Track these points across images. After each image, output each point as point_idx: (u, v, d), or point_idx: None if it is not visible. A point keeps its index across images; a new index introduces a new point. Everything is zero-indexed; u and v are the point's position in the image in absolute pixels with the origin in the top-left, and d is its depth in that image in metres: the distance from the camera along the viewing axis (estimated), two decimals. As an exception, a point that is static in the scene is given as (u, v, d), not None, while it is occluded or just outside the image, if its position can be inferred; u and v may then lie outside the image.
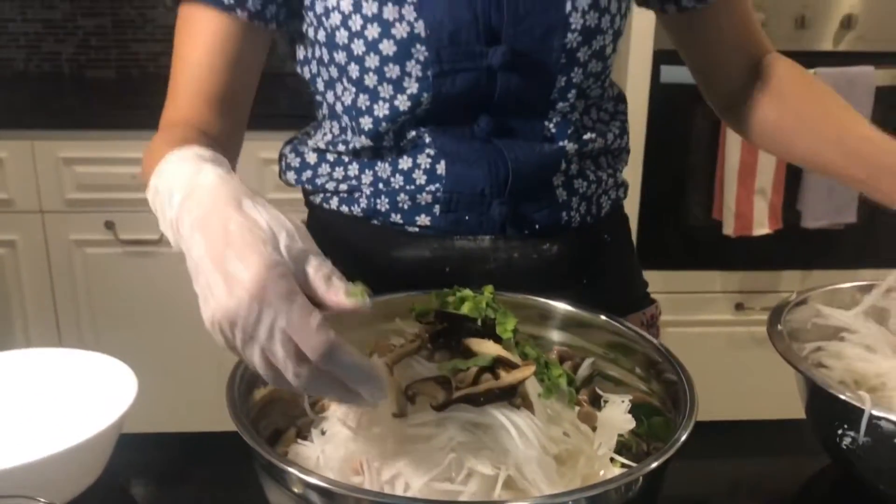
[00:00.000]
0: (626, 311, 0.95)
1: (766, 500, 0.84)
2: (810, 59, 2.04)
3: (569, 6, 0.83)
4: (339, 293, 0.57)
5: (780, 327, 0.80)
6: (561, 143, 0.89)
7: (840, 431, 0.71)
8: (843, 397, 0.68)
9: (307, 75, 0.92)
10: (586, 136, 0.91)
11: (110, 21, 2.60)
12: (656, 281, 2.24)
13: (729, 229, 2.13)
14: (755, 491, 0.84)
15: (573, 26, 0.83)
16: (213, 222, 0.58)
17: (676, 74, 1.84)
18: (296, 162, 0.96)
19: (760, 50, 0.99)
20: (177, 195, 0.63)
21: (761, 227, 2.13)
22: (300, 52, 0.91)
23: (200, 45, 0.84)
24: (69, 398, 0.84)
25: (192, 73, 0.85)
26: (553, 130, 0.89)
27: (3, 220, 2.10)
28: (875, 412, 0.66)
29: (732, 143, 2.07)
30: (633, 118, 0.97)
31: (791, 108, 0.96)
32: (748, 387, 2.06)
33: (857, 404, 0.67)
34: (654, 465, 0.58)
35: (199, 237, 0.58)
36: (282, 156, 0.99)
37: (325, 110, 0.94)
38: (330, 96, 0.90)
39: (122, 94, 2.51)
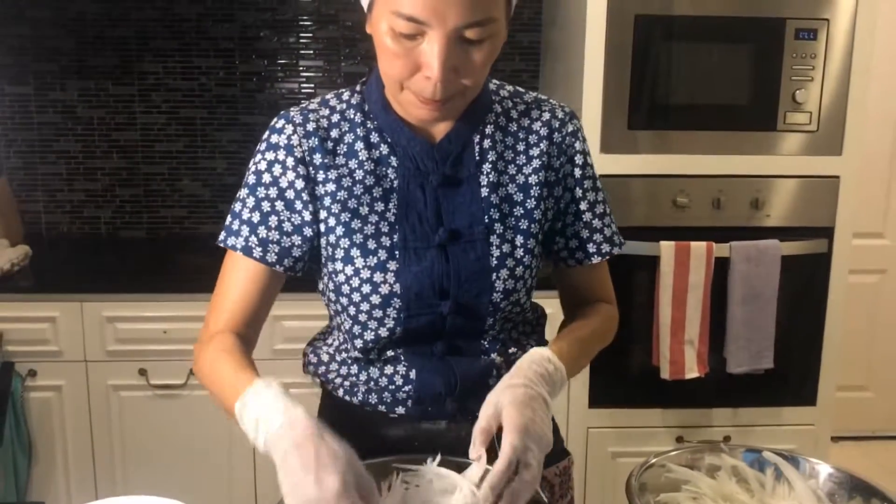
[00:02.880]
0: (547, 464, 1.33)
1: None
2: (726, 233, 2.47)
3: (494, 276, 1.23)
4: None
5: (633, 481, 1.18)
6: (493, 356, 1.28)
7: (665, 555, 1.08)
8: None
9: (323, 300, 1.32)
10: (511, 350, 1.31)
11: (143, 191, 3.05)
12: (606, 417, 2.63)
13: (665, 374, 2.50)
14: None
15: (497, 289, 1.23)
16: (305, 445, 0.97)
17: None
18: (314, 359, 1.35)
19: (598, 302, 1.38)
20: (276, 419, 1.00)
21: (692, 371, 2.50)
22: (319, 285, 1.31)
23: (244, 282, 1.23)
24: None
25: (237, 300, 1.23)
26: (486, 346, 1.28)
27: (53, 368, 2.47)
28: (677, 542, 1.04)
29: (664, 303, 2.47)
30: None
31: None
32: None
33: (667, 538, 1.05)
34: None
35: (295, 453, 0.96)
36: (304, 354, 1.38)
37: (333, 324, 1.33)
38: (336, 319, 1.29)
39: (152, 253, 2.93)
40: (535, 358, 1.15)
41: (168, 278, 2.59)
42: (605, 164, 2.38)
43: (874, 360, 3.74)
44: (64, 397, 2.50)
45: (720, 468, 1.27)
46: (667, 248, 2.43)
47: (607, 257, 1.33)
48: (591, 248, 1.32)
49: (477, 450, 1.07)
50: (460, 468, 1.12)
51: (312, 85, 3.02)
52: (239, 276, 1.23)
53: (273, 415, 1.02)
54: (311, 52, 3.01)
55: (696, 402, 2.62)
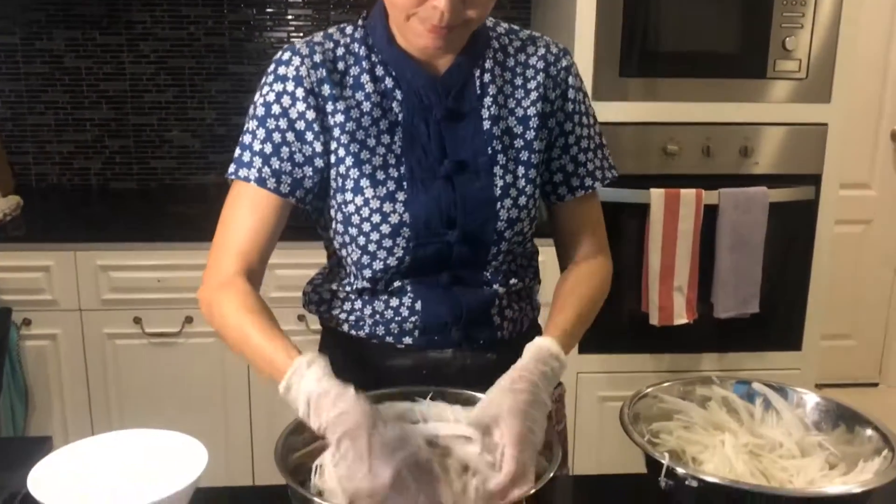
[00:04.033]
0: None
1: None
2: (716, 181, 2.50)
3: (499, 205, 1.25)
4: None
5: (627, 411, 1.22)
6: (495, 287, 1.31)
7: (659, 478, 1.12)
8: (653, 456, 1.10)
9: (326, 238, 1.33)
10: (512, 281, 1.34)
11: (132, 142, 3.04)
12: (596, 363, 2.67)
13: (654, 320, 2.54)
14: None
15: (502, 218, 1.26)
16: (360, 434, 0.98)
17: (609, 194, 2.19)
18: (315, 298, 1.37)
19: (587, 244, 1.37)
20: (328, 407, 1.00)
21: (680, 317, 2.54)
22: (322, 221, 1.32)
23: (255, 215, 1.22)
24: (158, 464, 1.23)
25: (247, 235, 1.22)
26: (489, 277, 1.31)
27: (48, 317, 2.49)
28: (670, 465, 1.08)
29: (654, 250, 2.50)
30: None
31: (559, 289, 1.34)
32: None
33: (661, 460, 1.09)
34: (533, 490, 0.99)
35: (349, 442, 0.98)
36: (305, 293, 1.40)
37: (334, 261, 1.35)
38: (343, 252, 1.29)
39: (144, 203, 2.94)
40: (543, 356, 1.15)
41: (161, 227, 2.60)
42: (596, 111, 2.34)
43: (858, 310, 3.80)
44: (59, 346, 2.52)
45: (711, 399, 1.31)
46: (657, 196, 2.46)
47: (590, 191, 1.35)
48: (575, 181, 1.34)
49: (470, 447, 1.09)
50: (467, 401, 1.17)
51: (301, 34, 3.00)
52: (248, 209, 1.23)
53: (324, 401, 1.02)
54: (300, 0, 2.99)
55: (684, 347, 2.66)
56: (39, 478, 1.14)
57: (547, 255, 1.44)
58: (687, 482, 1.08)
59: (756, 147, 2.53)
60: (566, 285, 1.33)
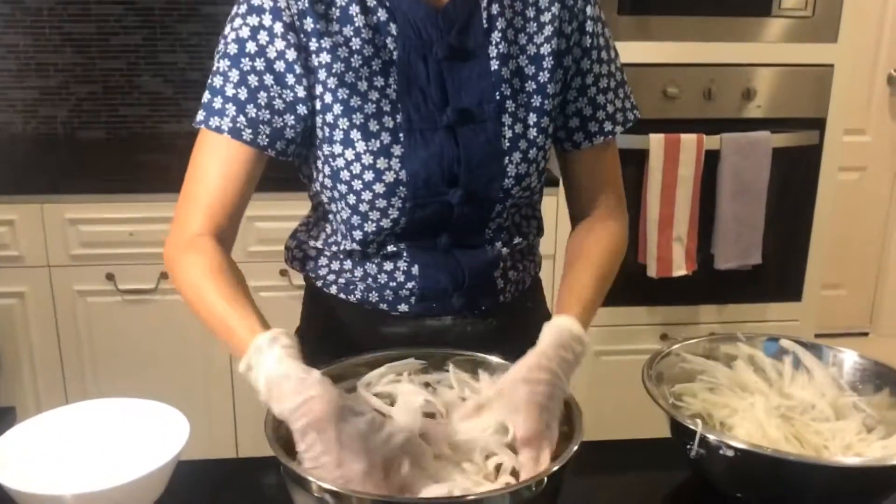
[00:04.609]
0: None
1: (650, 499, 1.15)
2: (717, 125, 2.39)
3: (507, 160, 1.13)
4: None
5: (650, 372, 1.12)
6: (497, 247, 1.19)
7: (688, 446, 1.02)
8: (684, 423, 1.00)
9: (311, 189, 1.20)
10: (515, 241, 1.22)
11: (100, 88, 2.88)
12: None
13: (652, 271, 2.45)
14: (642, 492, 1.16)
15: (509, 174, 1.13)
16: (326, 426, 0.87)
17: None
18: (299, 254, 1.25)
19: (604, 200, 1.25)
20: (289, 398, 0.88)
21: (679, 269, 2.45)
22: (305, 170, 1.19)
23: (227, 168, 1.08)
24: (135, 436, 1.12)
25: (217, 191, 1.09)
26: (490, 235, 1.19)
27: (14, 275, 2.35)
28: (703, 432, 0.98)
29: (652, 199, 2.40)
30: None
31: (571, 252, 1.23)
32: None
33: (693, 428, 0.99)
34: (556, 468, 0.89)
35: (315, 436, 0.87)
36: (287, 248, 1.28)
37: (320, 213, 1.22)
38: (331, 207, 1.17)
39: (113, 153, 2.78)
40: (564, 340, 1.02)
41: (132, 178, 2.45)
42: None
43: (849, 259, 3.74)
44: (27, 304, 2.39)
45: (736, 358, 1.21)
46: (656, 142, 2.34)
47: (609, 137, 1.23)
48: (592, 126, 1.22)
49: (461, 416, 1.00)
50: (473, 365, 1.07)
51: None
52: (220, 161, 1.10)
53: (285, 387, 0.90)
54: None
55: (682, 299, 2.58)
56: (0, 455, 1.03)
57: (547, 202, 1.32)
58: (721, 451, 0.98)
59: (759, 89, 2.42)
60: (583, 249, 1.21)
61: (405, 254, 1.17)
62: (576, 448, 0.92)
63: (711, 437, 0.98)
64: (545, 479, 0.89)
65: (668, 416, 1.07)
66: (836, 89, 2.44)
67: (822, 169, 2.51)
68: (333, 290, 1.22)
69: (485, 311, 1.23)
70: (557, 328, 1.04)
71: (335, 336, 1.19)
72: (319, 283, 1.24)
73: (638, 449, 1.25)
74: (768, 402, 1.11)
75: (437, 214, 1.14)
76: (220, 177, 1.09)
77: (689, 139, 2.35)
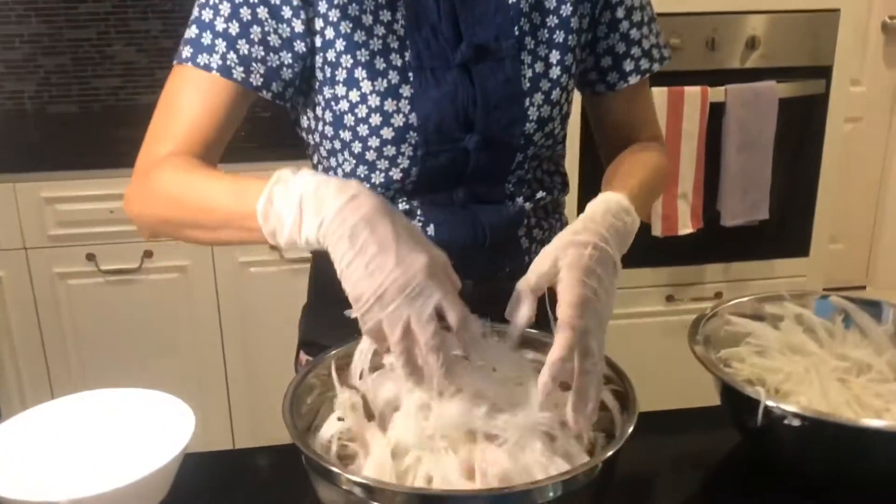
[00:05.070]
0: None
1: (698, 472, 1.06)
2: (721, 76, 2.29)
3: (527, 102, 1.03)
4: None
5: (697, 337, 1.02)
6: (519, 202, 1.10)
7: (745, 417, 0.93)
8: (745, 392, 0.91)
9: (310, 140, 1.09)
10: (539, 195, 1.12)
11: (70, 59, 2.73)
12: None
13: (657, 230, 2.36)
14: (691, 465, 1.07)
15: (531, 117, 1.04)
16: (381, 220, 0.77)
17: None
18: None
19: (640, 137, 1.16)
20: (332, 197, 0.78)
21: (685, 227, 2.37)
22: (303, 121, 1.08)
23: (205, 103, 0.97)
24: (136, 430, 1.01)
25: (193, 123, 0.97)
26: (511, 190, 1.09)
27: (-11, 258, 2.23)
28: (767, 402, 0.89)
29: (657, 155, 2.30)
30: (569, 137, 1.17)
31: (611, 168, 1.11)
32: (680, 369, 2.30)
33: (756, 397, 0.90)
34: (611, 452, 0.80)
35: (366, 232, 0.77)
36: None
37: (320, 171, 1.12)
38: (332, 161, 1.07)
39: (87, 128, 2.64)
40: (612, 206, 0.91)
41: (109, 153, 2.31)
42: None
43: (844, 212, 3.67)
44: (4, 289, 2.27)
45: (783, 318, 1.12)
46: (659, 95, 2.24)
47: (647, 75, 1.13)
48: (628, 65, 1.12)
49: (522, 311, 0.86)
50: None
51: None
52: (198, 96, 0.98)
53: (326, 190, 0.79)
54: None
55: (687, 259, 2.50)
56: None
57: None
58: (786, 421, 0.89)
59: (763, 38, 2.32)
60: (625, 157, 1.10)
61: (418, 212, 1.07)
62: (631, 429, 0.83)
63: (779, 407, 0.89)
64: (600, 464, 0.79)
65: (719, 383, 0.98)
66: (842, 35, 2.35)
67: (828, 119, 2.43)
68: None
69: (508, 273, 1.13)
70: (605, 198, 0.93)
71: (345, 307, 1.09)
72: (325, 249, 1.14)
73: (674, 418, 1.16)
74: (825, 364, 1.03)
75: (451, 164, 1.04)
76: (197, 111, 0.98)
77: (692, 92, 2.26)
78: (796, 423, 0.89)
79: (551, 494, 0.77)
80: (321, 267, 1.18)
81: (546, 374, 0.80)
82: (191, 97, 0.98)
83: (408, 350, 0.78)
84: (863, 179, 3.66)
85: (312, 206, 0.79)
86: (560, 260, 0.85)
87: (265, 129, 2.22)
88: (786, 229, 2.52)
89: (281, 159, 1.15)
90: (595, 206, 0.92)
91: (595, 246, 0.85)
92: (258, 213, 0.82)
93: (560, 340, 0.80)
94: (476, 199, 1.08)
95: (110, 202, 2.21)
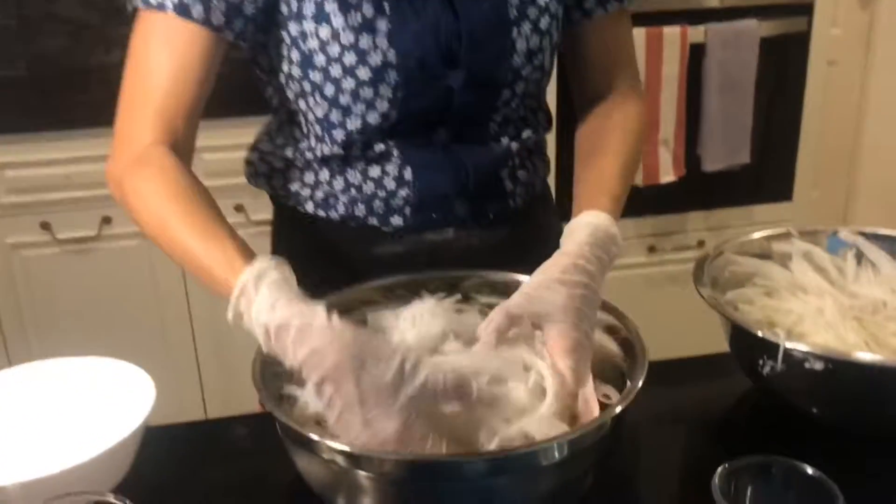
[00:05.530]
0: None
1: (706, 422, 0.99)
2: (700, 16, 2.21)
3: (514, 32, 0.94)
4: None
5: (704, 279, 0.95)
6: (505, 142, 1.01)
7: (761, 362, 0.86)
8: (762, 335, 0.84)
9: (273, 85, 0.99)
10: (524, 134, 1.03)
11: (14, 19, 2.58)
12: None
13: (638, 180, 2.28)
14: (698, 415, 1.00)
15: (519, 49, 0.95)
16: (344, 378, 0.68)
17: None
18: (264, 168, 1.05)
19: (620, 81, 1.07)
20: (293, 357, 0.71)
21: (667, 175, 2.30)
22: (263, 62, 0.98)
23: (177, 58, 0.88)
24: (91, 402, 0.92)
25: (168, 86, 0.89)
26: (496, 129, 1.01)
27: (-64, 231, 2.10)
28: (788, 345, 0.82)
29: (636, 100, 2.22)
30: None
31: (587, 142, 1.05)
32: (664, 321, 2.25)
33: (775, 340, 0.82)
34: (620, 408, 0.72)
35: (331, 388, 0.69)
36: (249, 162, 1.07)
37: (283, 116, 1.02)
38: (300, 105, 0.97)
39: (37, 91, 2.50)
40: (600, 239, 0.85)
41: (63, 116, 2.18)
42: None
43: (820, 159, 3.62)
44: (-45, 263, 2.14)
45: (791, 257, 1.05)
46: (638, 36, 2.15)
47: (625, 5, 1.04)
48: None
49: (489, 333, 0.80)
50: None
51: None
52: (169, 49, 0.89)
53: (285, 338, 0.71)
54: None
55: (668, 207, 2.43)
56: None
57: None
58: (807, 364, 0.82)
59: (742, -28, 2.23)
60: (602, 139, 1.03)
61: (395, 154, 0.98)
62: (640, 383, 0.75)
63: (800, 349, 0.82)
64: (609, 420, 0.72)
65: (729, 327, 0.91)
66: (824, -33, 2.27)
67: (810, 59, 2.36)
68: (309, 207, 1.03)
69: (493, 219, 1.04)
70: (591, 225, 0.86)
71: (316, 264, 1.00)
72: (291, 203, 1.04)
73: (685, 367, 1.09)
74: (838, 303, 0.95)
75: (434, 104, 0.95)
76: (172, 69, 0.89)
77: (671, 32, 2.17)
78: (818, 365, 0.81)
79: (557, 455, 0.69)
80: (284, 222, 1.09)
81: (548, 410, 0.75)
82: (159, 54, 0.89)
83: None
84: (838, 124, 3.60)
85: (278, 348, 0.72)
86: (548, 300, 0.80)
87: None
88: (768, 174, 2.47)
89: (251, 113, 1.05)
90: (582, 235, 0.85)
91: (585, 286, 0.81)
92: (229, 319, 0.76)
93: (554, 391, 0.76)
94: (459, 139, 0.99)
95: (65, 166, 2.08)
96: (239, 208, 2.11)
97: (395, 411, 0.67)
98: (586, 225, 0.86)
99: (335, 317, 0.71)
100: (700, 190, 2.41)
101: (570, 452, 0.69)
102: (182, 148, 0.90)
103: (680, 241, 2.47)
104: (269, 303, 0.72)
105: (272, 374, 0.78)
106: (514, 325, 0.81)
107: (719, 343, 0.98)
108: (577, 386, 0.77)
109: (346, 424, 0.68)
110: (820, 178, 3.63)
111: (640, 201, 2.34)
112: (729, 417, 0.99)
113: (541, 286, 0.81)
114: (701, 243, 2.45)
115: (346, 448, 0.68)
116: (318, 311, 0.71)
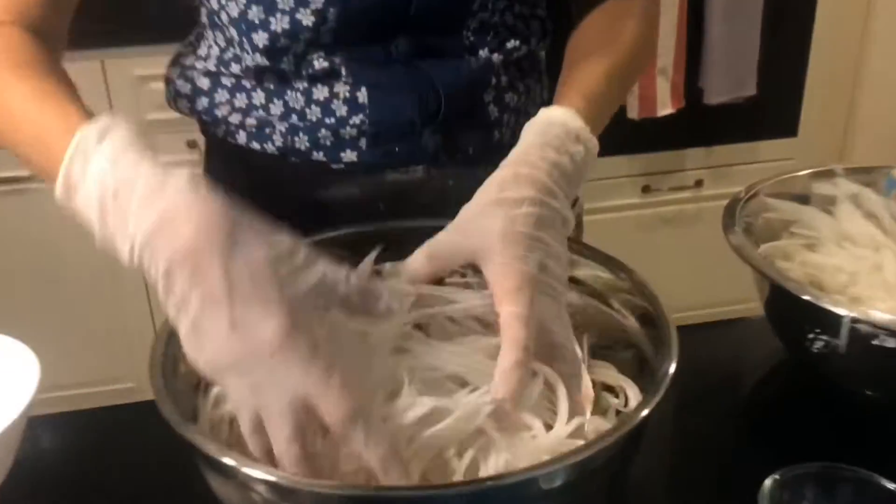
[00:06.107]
0: None
1: (734, 404, 0.82)
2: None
3: None
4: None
5: (736, 228, 0.76)
6: (485, 55, 0.81)
7: (811, 336, 0.68)
8: (820, 304, 0.65)
9: None
10: (510, 45, 0.83)
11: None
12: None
13: (633, 112, 2.09)
14: (723, 396, 0.82)
15: None
16: (207, 258, 0.49)
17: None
18: (186, 88, 0.84)
19: None
20: (137, 223, 0.51)
21: (665, 107, 2.10)
22: None
23: None
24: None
25: None
26: (472, 39, 0.80)
27: None
28: (854, 315, 0.63)
29: (632, 24, 2.02)
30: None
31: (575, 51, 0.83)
32: (660, 267, 2.08)
33: (835, 310, 0.64)
34: (645, 412, 0.53)
35: (185, 275, 0.49)
36: (168, 80, 0.86)
37: (203, 17, 0.82)
38: (214, 3, 0.77)
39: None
40: (551, 136, 0.63)
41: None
42: None
43: (814, 99, 3.46)
44: None
45: (835, 200, 0.86)
46: (635, -48, 1.94)
47: None
48: None
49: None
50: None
51: None
52: None
53: (127, 201, 0.51)
54: None
55: (666, 144, 2.24)
56: None
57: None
58: (876, 341, 0.64)
59: None
60: (589, 32, 0.82)
61: (343, 71, 0.78)
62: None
63: (866, 322, 0.63)
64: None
65: (769, 290, 0.72)
66: None
67: (822, -20, 2.16)
68: (241, 137, 0.82)
69: (473, 155, 0.84)
70: (543, 122, 0.66)
71: (252, 210, 0.80)
72: (220, 131, 0.84)
73: (713, 332, 0.91)
74: (897, 258, 0.77)
75: (387, 2, 0.75)
76: None
77: (672, -51, 1.96)
78: (891, 343, 0.63)
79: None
80: (213, 154, 0.90)
81: (501, 390, 0.54)
82: None
83: (265, 446, 0.51)
84: (839, 59, 3.42)
85: (117, 220, 0.52)
86: (485, 230, 0.59)
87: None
88: (772, 107, 2.28)
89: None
90: (529, 136, 0.65)
91: (532, 202, 0.60)
92: (57, 195, 0.55)
93: (509, 342, 0.55)
94: (424, 51, 0.79)
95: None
96: (192, 144, 1.90)
97: (276, 306, 0.48)
98: (539, 122, 0.66)
99: (203, 182, 0.52)
100: (699, 125, 2.22)
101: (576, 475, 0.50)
102: (45, 35, 0.71)
103: (677, 181, 2.29)
104: (110, 159, 0.53)
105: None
106: (439, 269, 0.63)
107: (720, 292, 0.80)
108: (530, 340, 0.55)
109: (206, 330, 0.49)
110: (817, 116, 3.47)
111: (634, 137, 2.17)
112: (762, 399, 0.81)
113: (473, 213, 0.61)
114: (699, 183, 2.28)
115: (272, 478, 0.49)
116: (177, 172, 0.52)
